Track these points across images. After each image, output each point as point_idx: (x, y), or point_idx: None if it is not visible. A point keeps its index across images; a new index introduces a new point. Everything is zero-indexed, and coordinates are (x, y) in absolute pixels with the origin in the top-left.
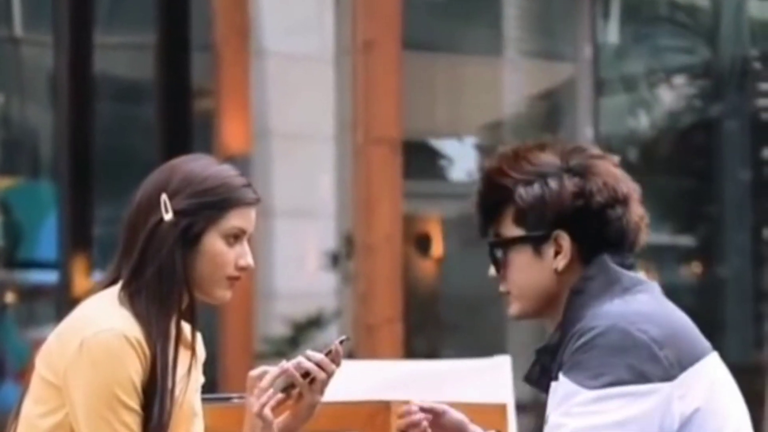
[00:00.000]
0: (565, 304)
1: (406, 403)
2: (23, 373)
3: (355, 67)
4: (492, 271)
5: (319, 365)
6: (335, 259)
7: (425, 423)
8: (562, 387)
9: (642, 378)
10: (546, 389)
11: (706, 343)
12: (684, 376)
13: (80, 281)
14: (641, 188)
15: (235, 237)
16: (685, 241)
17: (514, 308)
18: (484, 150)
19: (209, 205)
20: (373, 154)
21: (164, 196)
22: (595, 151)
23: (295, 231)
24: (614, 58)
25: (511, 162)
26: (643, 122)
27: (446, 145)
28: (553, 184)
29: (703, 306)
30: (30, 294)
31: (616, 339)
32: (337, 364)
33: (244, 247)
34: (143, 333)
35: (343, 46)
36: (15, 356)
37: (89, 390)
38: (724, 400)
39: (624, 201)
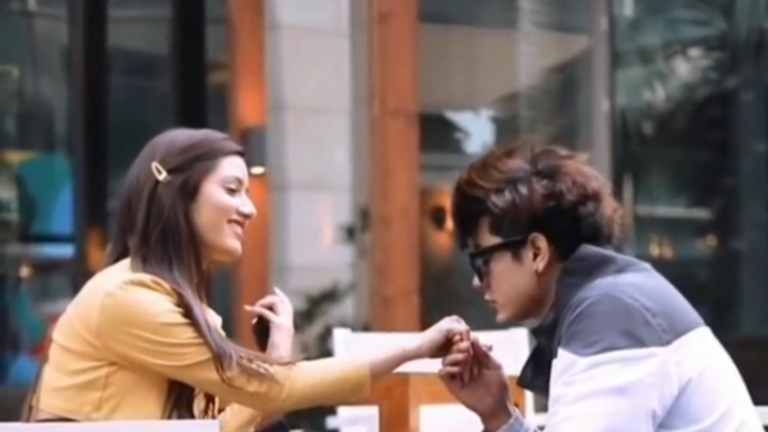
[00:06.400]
0: (556, 285)
1: (424, 375)
2: (38, 347)
3: (371, 39)
4: (476, 281)
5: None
6: (351, 232)
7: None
8: (561, 360)
9: (637, 342)
10: (542, 390)
11: (698, 318)
12: (678, 342)
13: (95, 255)
14: (657, 160)
15: (233, 189)
16: (701, 214)
17: (501, 315)
18: (499, 122)
19: (200, 157)
20: (389, 126)
21: (154, 163)
22: (564, 152)
23: (310, 204)
24: (630, 30)
25: (480, 172)
26: (659, 95)
27: (462, 118)
28: (522, 188)
29: (719, 279)
30: (45, 268)
31: (609, 307)
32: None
33: (244, 198)
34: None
35: (359, 18)
36: (29, 331)
37: (133, 331)
38: (717, 376)
39: (595, 197)
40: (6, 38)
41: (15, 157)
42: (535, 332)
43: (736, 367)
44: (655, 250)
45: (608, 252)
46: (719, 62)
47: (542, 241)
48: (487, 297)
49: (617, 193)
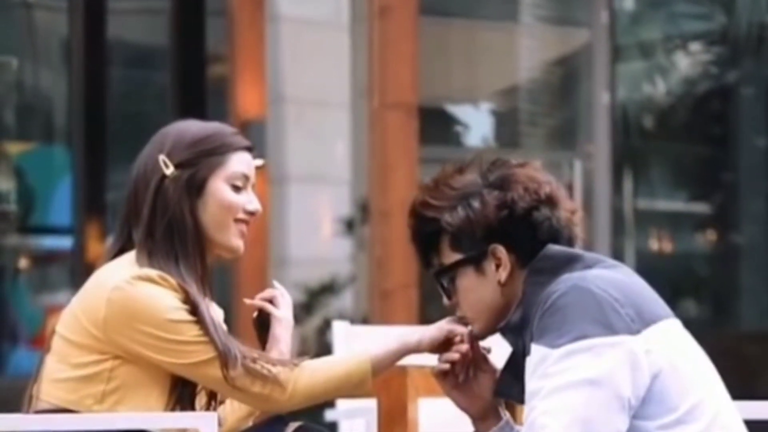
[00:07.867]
0: (524, 284)
1: (422, 368)
2: (36, 339)
3: (371, 32)
4: (445, 300)
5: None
6: (350, 225)
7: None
8: (534, 355)
9: (608, 330)
10: (518, 398)
11: (668, 310)
12: (647, 332)
13: (94, 246)
14: (657, 154)
15: (239, 185)
16: (701, 208)
17: (476, 329)
18: (499, 116)
19: (208, 152)
20: (389, 119)
21: (162, 156)
22: (515, 161)
23: (309, 197)
24: (631, 24)
25: (433, 192)
26: (659, 89)
27: (462, 111)
28: (475, 202)
29: (718, 273)
30: (43, 260)
31: (577, 297)
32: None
33: (250, 194)
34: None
35: (359, 11)
36: (28, 322)
37: (139, 327)
38: (688, 367)
39: (549, 201)
40: (5, 29)
41: (14, 148)
42: (502, 331)
43: (735, 361)
44: (654, 244)
45: (575, 250)
46: (720, 56)
47: (502, 252)
48: (458, 314)
49: (617, 187)
